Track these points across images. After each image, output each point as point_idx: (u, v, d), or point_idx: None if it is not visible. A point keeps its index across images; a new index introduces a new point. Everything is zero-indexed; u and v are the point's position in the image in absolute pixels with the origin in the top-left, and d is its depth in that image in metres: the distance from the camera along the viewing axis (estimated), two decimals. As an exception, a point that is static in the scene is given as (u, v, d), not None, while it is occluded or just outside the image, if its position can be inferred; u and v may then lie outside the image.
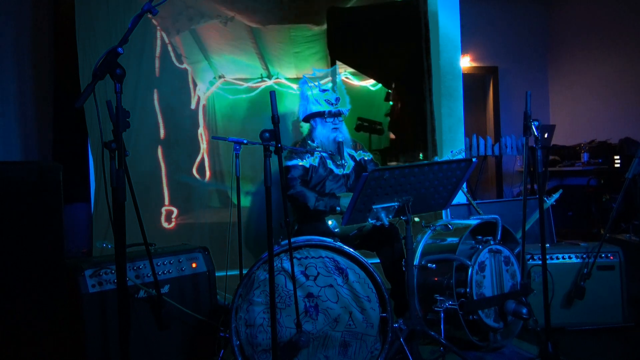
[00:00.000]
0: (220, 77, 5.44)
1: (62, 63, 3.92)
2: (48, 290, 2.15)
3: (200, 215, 4.37)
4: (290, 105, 5.45)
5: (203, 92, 5.12)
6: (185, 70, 4.75)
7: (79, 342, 2.21)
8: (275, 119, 1.99)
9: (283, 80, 5.60)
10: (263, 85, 5.76)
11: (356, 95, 5.44)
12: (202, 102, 4.97)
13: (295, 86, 5.52)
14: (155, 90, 4.28)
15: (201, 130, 4.79)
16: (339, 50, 4.72)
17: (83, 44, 3.58)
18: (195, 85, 4.87)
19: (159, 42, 4.40)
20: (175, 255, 2.61)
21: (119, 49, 1.64)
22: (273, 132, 1.98)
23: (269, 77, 5.71)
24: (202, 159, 4.79)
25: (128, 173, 1.87)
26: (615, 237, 3.58)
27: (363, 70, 5.23)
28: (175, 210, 4.30)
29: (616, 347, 2.82)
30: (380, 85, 5.48)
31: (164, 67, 4.38)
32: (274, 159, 2.04)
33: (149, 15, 1.75)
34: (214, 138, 2.94)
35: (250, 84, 5.68)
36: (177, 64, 4.56)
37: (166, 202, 4.29)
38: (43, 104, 3.97)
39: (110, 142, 1.86)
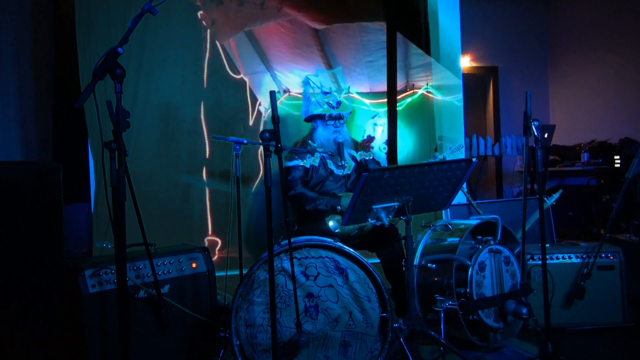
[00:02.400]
0: (285, 91, 4.80)
1: (62, 63, 3.91)
2: (48, 290, 2.15)
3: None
4: (361, 123, 4.90)
5: (264, 107, 4.54)
6: (242, 82, 4.27)
7: (79, 342, 2.21)
8: (275, 118, 1.99)
9: (354, 95, 4.87)
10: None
11: (443, 110, 4.85)
12: (264, 118, 4.47)
13: (368, 101, 4.99)
14: (202, 103, 3.94)
15: (261, 150, 4.22)
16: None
17: (83, 44, 3.58)
18: (254, 99, 4.37)
19: (208, 45, 3.98)
20: (175, 255, 2.61)
21: (119, 49, 1.64)
22: (273, 132, 1.98)
23: (339, 90, 5.33)
24: (261, 181, 4.21)
25: (128, 173, 1.87)
26: (615, 237, 3.57)
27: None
28: (219, 242, 3.95)
29: (616, 347, 2.82)
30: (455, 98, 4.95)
31: (215, 76, 4.02)
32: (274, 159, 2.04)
33: (198, 16, 1.71)
34: (213, 138, 2.93)
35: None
36: (231, 74, 4.13)
37: (209, 231, 3.94)
38: (43, 104, 3.97)
39: (110, 142, 1.86)
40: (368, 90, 4.95)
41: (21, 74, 3.81)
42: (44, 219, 2.16)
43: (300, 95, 4.67)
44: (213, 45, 4.08)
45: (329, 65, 4.74)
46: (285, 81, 4.73)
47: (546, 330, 2.43)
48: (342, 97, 3.12)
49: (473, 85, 6.55)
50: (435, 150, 3.71)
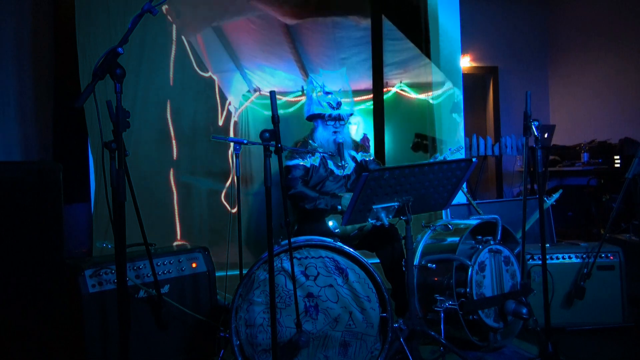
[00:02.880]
0: (255, 90, 4.64)
1: (62, 63, 3.91)
2: (48, 290, 2.16)
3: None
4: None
5: (234, 106, 4.37)
6: (211, 80, 4.05)
7: (79, 342, 2.21)
8: (275, 118, 1.99)
9: None
10: (303, 99, 4.36)
11: (413, 109, 4.88)
12: (234, 118, 4.30)
13: (345, 100, 5.00)
14: (168, 102, 3.71)
15: (232, 150, 4.02)
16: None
17: (83, 44, 3.58)
18: (223, 98, 4.18)
19: (173, 41, 3.70)
20: (175, 255, 2.61)
21: (119, 49, 1.64)
22: (273, 132, 1.98)
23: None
24: (232, 186, 3.98)
25: (128, 173, 1.87)
26: (615, 237, 3.58)
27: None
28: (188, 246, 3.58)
29: (616, 347, 2.81)
30: (443, 98, 4.79)
31: (182, 74, 3.80)
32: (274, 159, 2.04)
33: (164, 11, 1.70)
34: (213, 138, 2.92)
35: (288, 98, 4.81)
36: (199, 72, 3.90)
37: (178, 236, 3.70)
38: (43, 104, 3.96)
39: (110, 142, 1.86)
40: (341, 89, 4.92)
41: (21, 74, 3.81)
42: (44, 219, 2.16)
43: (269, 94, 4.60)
44: (179, 42, 3.82)
45: (301, 64, 4.60)
46: (255, 80, 4.57)
47: (546, 330, 2.43)
48: (343, 99, 3.12)
49: (473, 85, 6.55)
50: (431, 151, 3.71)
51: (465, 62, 6.28)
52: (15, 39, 3.75)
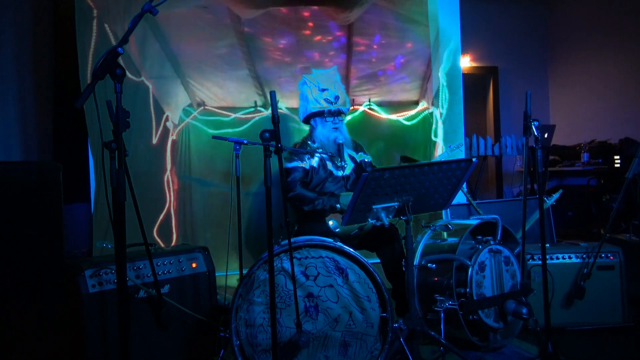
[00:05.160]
0: (199, 104, 3.96)
1: (62, 63, 3.91)
2: (48, 290, 2.16)
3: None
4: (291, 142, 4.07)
5: (174, 122, 3.72)
6: (144, 87, 3.38)
7: (79, 342, 2.21)
8: (275, 118, 1.99)
9: (284, 111, 4.16)
10: (257, 116, 4.15)
11: (385, 130, 4.40)
12: (172, 136, 3.66)
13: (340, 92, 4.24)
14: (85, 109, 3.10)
15: (168, 176, 3.56)
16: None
17: (83, 44, 3.57)
18: (159, 110, 3.56)
19: (94, 32, 3.04)
20: (175, 255, 2.61)
21: (119, 49, 1.65)
22: (273, 132, 1.98)
23: (265, 106, 4.18)
24: (168, 217, 3.43)
25: (128, 173, 1.87)
26: (615, 237, 3.58)
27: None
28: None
29: (616, 347, 2.82)
30: (418, 119, 4.48)
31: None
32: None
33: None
34: (214, 137, 2.91)
35: (239, 115, 4.14)
36: (128, 75, 3.13)
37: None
38: (43, 104, 3.97)
39: (110, 142, 1.86)
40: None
41: (21, 74, 3.81)
42: (44, 219, 2.16)
43: (218, 111, 4.09)
44: (101, 32, 3.13)
45: (255, 73, 3.96)
46: (199, 91, 3.88)
47: (546, 330, 2.43)
48: (339, 92, 3.10)
49: (473, 85, 6.55)
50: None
51: (465, 62, 6.28)
52: (16, 39, 3.75)
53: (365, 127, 4.36)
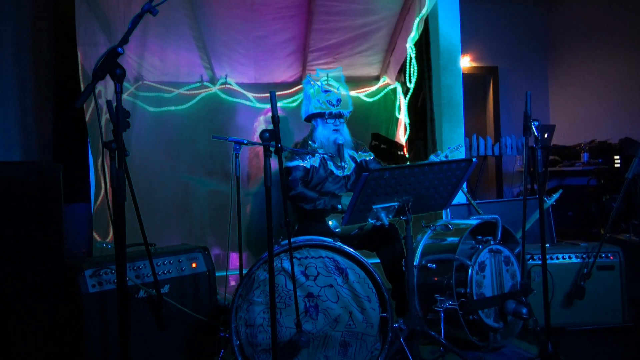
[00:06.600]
0: (136, 79, 3.63)
1: (62, 63, 3.91)
2: (48, 290, 2.15)
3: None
4: (244, 122, 3.84)
5: (107, 98, 3.36)
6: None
7: (79, 342, 2.21)
8: (276, 118, 1.99)
9: (234, 87, 3.90)
10: (203, 92, 3.94)
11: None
12: (106, 115, 3.32)
13: (252, 95, 3.98)
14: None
15: (102, 161, 3.22)
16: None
17: (83, 44, 3.57)
18: (89, 86, 3.15)
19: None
20: (175, 255, 2.61)
21: (119, 49, 1.65)
22: (273, 132, 1.98)
23: (213, 81, 3.92)
24: (103, 207, 3.18)
25: (128, 173, 1.87)
26: (615, 237, 3.58)
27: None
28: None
29: (616, 347, 2.82)
30: (380, 95, 4.38)
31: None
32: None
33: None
34: (214, 138, 2.90)
35: (182, 91, 3.89)
36: None
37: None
38: (43, 104, 3.96)
39: (110, 142, 1.86)
40: (253, 81, 3.86)
41: (21, 74, 3.81)
42: (44, 219, 2.16)
43: (160, 86, 3.81)
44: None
45: (202, 42, 3.53)
46: (136, 64, 3.48)
47: (546, 330, 2.43)
48: (342, 93, 3.11)
49: (473, 85, 6.56)
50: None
51: (465, 62, 6.28)
52: (15, 39, 3.75)
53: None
